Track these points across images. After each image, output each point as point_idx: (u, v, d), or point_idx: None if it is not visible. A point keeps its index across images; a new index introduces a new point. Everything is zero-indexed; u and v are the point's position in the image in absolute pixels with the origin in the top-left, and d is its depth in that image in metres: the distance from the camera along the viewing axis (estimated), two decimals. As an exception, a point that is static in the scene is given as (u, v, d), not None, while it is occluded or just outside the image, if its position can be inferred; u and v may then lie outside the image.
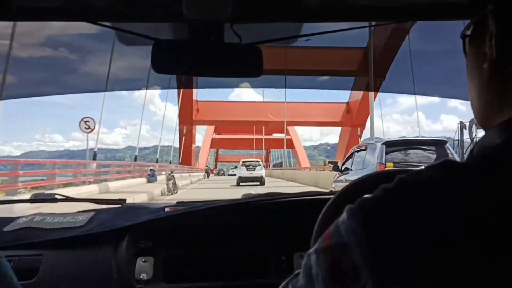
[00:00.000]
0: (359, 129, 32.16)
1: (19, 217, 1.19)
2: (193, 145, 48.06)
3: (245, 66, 0.90)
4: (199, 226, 1.17)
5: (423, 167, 0.38)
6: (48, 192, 1.47)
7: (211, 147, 62.99)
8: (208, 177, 37.16)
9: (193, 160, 46.55)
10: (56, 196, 1.41)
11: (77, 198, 1.45)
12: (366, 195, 0.39)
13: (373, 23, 1.06)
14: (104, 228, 1.12)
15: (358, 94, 30.75)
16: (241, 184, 21.21)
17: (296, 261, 1.13)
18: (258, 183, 21.37)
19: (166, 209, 1.22)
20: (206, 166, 50.61)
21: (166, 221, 1.15)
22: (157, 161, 29.25)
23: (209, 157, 66.40)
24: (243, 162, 23.88)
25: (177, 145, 39.34)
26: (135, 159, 25.38)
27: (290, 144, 52.39)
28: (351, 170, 7.82)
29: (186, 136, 42.47)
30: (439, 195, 0.34)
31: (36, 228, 1.13)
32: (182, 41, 0.90)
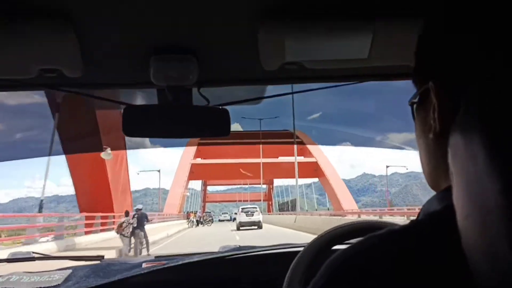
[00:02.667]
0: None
1: None
2: (185, 192, 42.35)
3: (213, 126, 0.93)
4: (176, 282, 1.18)
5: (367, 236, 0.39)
6: (25, 251, 1.50)
7: (193, 178, 46.31)
8: (194, 225, 30.18)
9: (181, 207, 39.08)
10: (33, 255, 1.43)
11: (55, 256, 1.50)
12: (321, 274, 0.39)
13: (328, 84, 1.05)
14: (80, 287, 1.12)
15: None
16: (241, 228, 23.35)
17: None
18: (256, 227, 23.73)
19: (144, 265, 1.23)
20: (187, 211, 39.19)
21: (142, 278, 1.15)
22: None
23: (187, 194, 49.27)
24: (242, 209, 26.15)
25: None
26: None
27: (311, 170, 38.47)
28: None
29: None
30: (385, 268, 0.35)
31: None
32: (152, 105, 0.94)
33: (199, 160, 45.03)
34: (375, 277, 0.34)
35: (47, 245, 11.79)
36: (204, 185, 72.84)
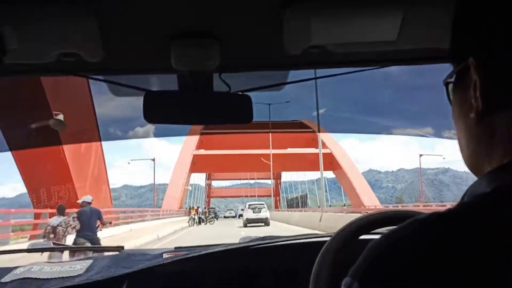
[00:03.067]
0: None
1: (16, 267, 1.20)
2: (187, 186, 38.50)
3: (235, 113, 0.92)
4: (198, 272, 1.18)
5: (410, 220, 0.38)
6: (44, 241, 1.57)
7: (195, 170, 42.05)
8: (196, 223, 26.23)
9: (182, 202, 35.45)
10: (53, 246, 1.44)
11: (75, 247, 1.65)
12: (361, 261, 0.38)
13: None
14: (102, 277, 1.12)
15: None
16: (248, 225, 22.67)
17: None
18: (263, 224, 22.92)
19: (164, 255, 1.23)
20: (189, 207, 34.55)
21: (164, 268, 1.15)
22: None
23: (189, 188, 44.82)
24: (249, 205, 25.61)
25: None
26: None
27: (326, 163, 32.34)
28: None
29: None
30: (429, 250, 0.35)
31: (34, 279, 1.13)
32: (172, 91, 0.93)
33: (202, 151, 41.22)
34: (423, 261, 0.34)
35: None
36: (209, 179, 69.51)
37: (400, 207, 21.85)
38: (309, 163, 35.54)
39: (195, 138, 36.68)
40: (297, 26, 0.76)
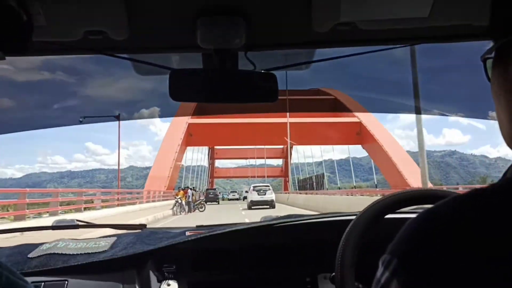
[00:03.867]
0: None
1: (42, 244, 1.21)
2: (179, 162, 31.17)
3: (260, 91, 0.91)
4: (222, 250, 1.18)
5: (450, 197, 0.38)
6: (69, 219, 1.51)
7: (191, 143, 34.12)
8: (183, 211, 19.26)
9: (172, 181, 29.03)
10: (77, 223, 1.45)
11: (98, 224, 1.49)
12: (400, 238, 0.38)
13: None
14: (127, 253, 1.13)
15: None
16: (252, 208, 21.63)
17: (320, 282, 1.13)
18: (269, 206, 22.19)
19: (187, 233, 1.22)
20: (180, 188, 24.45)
21: (188, 245, 1.15)
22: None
23: (182, 164, 36.27)
24: (253, 187, 24.52)
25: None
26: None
27: (352, 134, 29.82)
28: None
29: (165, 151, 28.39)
30: (473, 224, 0.35)
31: (60, 254, 1.14)
32: (198, 69, 0.93)
33: (199, 120, 31.74)
34: (464, 238, 0.34)
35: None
36: (211, 157, 62.59)
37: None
38: (333, 134, 31.15)
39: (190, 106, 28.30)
40: (327, 2, 0.75)
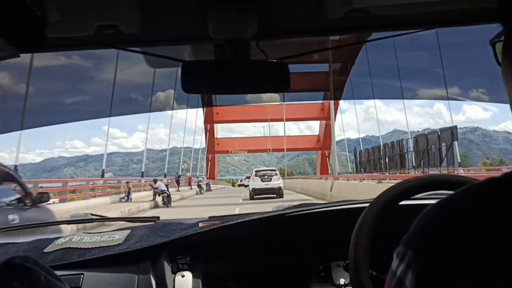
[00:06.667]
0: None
1: (57, 238, 1.23)
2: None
3: (272, 81, 0.91)
4: (235, 240, 1.19)
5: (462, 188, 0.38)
6: (82, 213, 1.53)
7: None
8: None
9: None
10: (91, 217, 1.46)
11: (112, 218, 1.53)
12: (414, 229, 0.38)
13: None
14: (141, 245, 1.14)
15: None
16: (255, 197, 17.86)
17: (334, 270, 1.13)
18: (275, 195, 18.05)
19: (200, 224, 1.23)
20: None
21: (201, 236, 1.16)
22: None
23: None
24: (256, 172, 19.92)
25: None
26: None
27: None
28: None
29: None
30: (484, 216, 0.35)
31: (75, 248, 1.16)
32: (210, 61, 0.94)
33: None
34: (480, 229, 0.34)
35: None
36: (209, 122, 40.83)
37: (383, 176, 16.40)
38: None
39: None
40: None
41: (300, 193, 20.27)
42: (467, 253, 0.33)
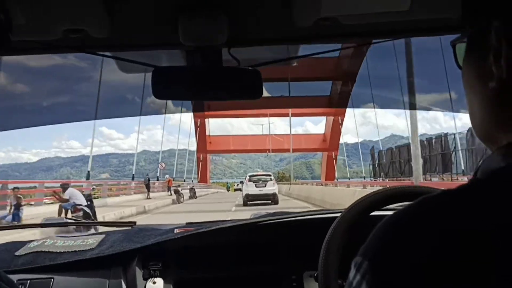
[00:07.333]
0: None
1: (30, 241, 1.22)
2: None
3: (245, 88, 0.91)
4: (209, 247, 1.18)
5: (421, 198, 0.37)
6: (57, 217, 1.58)
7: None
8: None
9: None
10: (66, 221, 1.48)
11: (88, 222, 1.72)
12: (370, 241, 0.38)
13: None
14: (114, 251, 1.13)
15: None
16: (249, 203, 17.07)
17: (306, 280, 1.14)
18: (270, 201, 17.33)
19: (176, 231, 1.23)
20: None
21: (175, 243, 1.15)
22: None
23: None
24: (250, 176, 19.11)
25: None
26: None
27: None
28: None
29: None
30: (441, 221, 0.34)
31: (47, 252, 1.15)
32: (181, 67, 0.93)
33: None
34: (435, 241, 0.34)
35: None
36: (199, 116, 35.55)
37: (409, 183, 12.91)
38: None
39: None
40: None
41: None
42: (419, 266, 0.33)
